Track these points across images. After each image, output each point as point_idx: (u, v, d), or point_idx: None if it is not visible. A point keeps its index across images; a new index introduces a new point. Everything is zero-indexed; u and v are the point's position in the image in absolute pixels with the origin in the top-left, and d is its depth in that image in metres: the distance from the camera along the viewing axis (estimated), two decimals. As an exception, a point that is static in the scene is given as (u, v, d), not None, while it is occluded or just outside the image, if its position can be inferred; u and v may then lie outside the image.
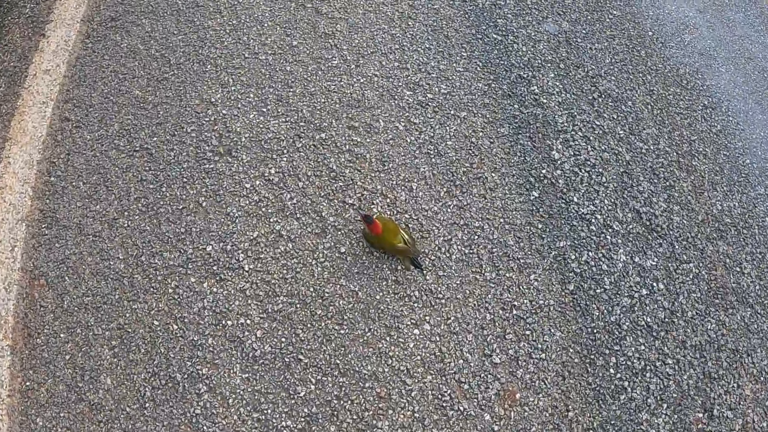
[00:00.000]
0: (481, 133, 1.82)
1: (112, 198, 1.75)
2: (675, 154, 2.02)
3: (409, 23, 2.08)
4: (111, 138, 1.85)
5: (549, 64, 2.09)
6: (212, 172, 1.72)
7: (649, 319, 1.65)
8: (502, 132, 1.85)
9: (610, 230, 1.79)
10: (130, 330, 1.57)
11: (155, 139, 1.81)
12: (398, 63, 1.93)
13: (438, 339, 1.53)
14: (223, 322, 1.54)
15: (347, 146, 1.74)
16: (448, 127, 1.81)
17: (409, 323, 1.53)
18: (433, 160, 1.73)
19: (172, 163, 1.75)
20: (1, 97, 2.02)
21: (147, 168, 1.77)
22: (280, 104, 1.83)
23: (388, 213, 1.64)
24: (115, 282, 1.64)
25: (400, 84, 1.88)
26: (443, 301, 1.56)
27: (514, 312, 1.61)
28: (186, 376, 1.51)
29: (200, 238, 1.63)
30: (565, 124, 1.94)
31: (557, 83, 2.05)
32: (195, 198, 1.69)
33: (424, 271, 1.58)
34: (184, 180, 1.72)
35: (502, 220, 1.69)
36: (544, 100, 1.98)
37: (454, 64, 1.98)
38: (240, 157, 1.73)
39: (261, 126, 1.79)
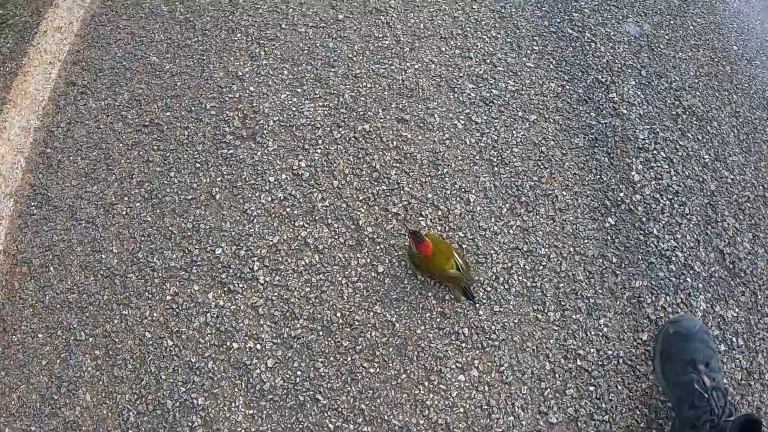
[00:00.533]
0: (552, 142, 1.51)
1: (111, 179, 1.46)
2: (761, 188, 1.69)
3: (474, 6, 1.77)
4: (119, 108, 1.57)
5: (629, 70, 1.77)
6: (231, 159, 1.43)
7: (725, 381, 1.33)
8: (576, 143, 1.54)
9: (691, 271, 1.47)
10: (117, 339, 1.29)
11: (168, 114, 1.52)
12: (460, 50, 1.63)
13: (486, 389, 1.23)
14: (228, 344, 1.25)
15: (395, 142, 1.44)
16: (514, 131, 1.50)
17: (453, 367, 1.23)
18: (496, 169, 1.43)
19: (184, 144, 1.46)
20: (8, 54, 1.74)
21: (155, 147, 1.48)
22: (318, 85, 1.53)
23: (439, 229, 1.34)
24: (106, 280, 1.35)
25: (462, 75, 1.57)
26: (497, 343, 1.26)
27: (578, 362, 1.30)
28: (178, 404, 1.23)
29: (209, 238, 1.34)
30: (647, 142, 1.62)
31: (638, 92, 1.73)
32: (208, 188, 1.40)
33: (477, 304, 1.28)
34: (197, 165, 1.43)
35: (571, 249, 1.38)
36: (624, 111, 1.66)
37: (524, 59, 1.67)
38: (265, 144, 1.44)
39: (294, 109, 1.49)
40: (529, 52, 1.68)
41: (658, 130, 1.65)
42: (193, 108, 1.51)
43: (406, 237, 1.31)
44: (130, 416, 1.23)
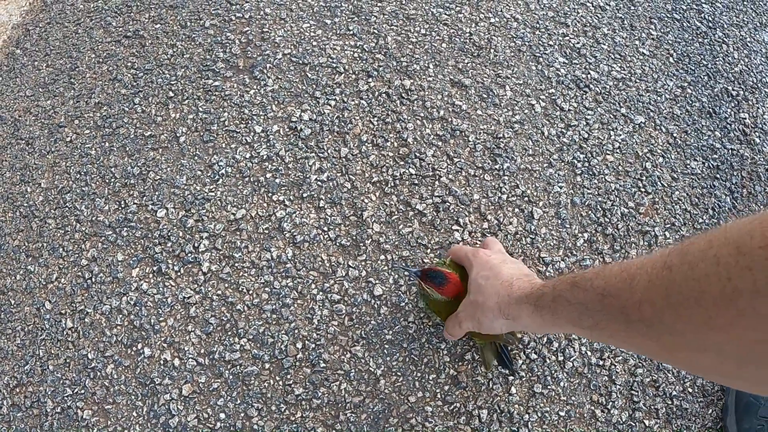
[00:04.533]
0: (661, 159, 0.94)
1: (69, 95, 0.99)
2: None
3: (581, -33, 1.20)
4: (105, 13, 1.09)
5: (767, 89, 1.17)
6: (213, 93, 0.93)
7: None
8: (693, 168, 0.96)
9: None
10: (13, 301, 0.82)
11: (158, 26, 1.03)
12: (554, 13, 1.07)
13: None
14: (139, 347, 0.77)
15: (442, 111, 0.90)
16: (613, 133, 0.94)
17: (455, 466, 0.70)
18: (579, 179, 0.87)
19: (163, 65, 0.97)
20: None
21: (129, 64, 1.00)
22: (355, 19, 1.00)
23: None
24: (23, 221, 0.89)
25: (552, 44, 1.01)
26: (530, 441, 0.72)
27: (644, 491, 0.75)
28: (59, 409, 0.75)
29: (155, 193, 0.85)
30: (783, 186, 1.03)
31: (776, 120, 1.13)
32: (173, 126, 0.90)
33: (513, 376, 0.74)
34: (170, 94, 0.94)
35: (666, 318, 0.82)
36: (757, 139, 1.07)
37: (637, 42, 1.09)
38: (264, 81, 0.92)
39: (314, 43, 0.97)
40: (644, 35, 1.11)
41: (798, 174, 1.06)
42: (188, 24, 1.02)
43: (414, 277, 0.74)
44: (3, 406, 0.76)
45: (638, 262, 0.38)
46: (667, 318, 0.35)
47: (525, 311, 0.52)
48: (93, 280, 0.83)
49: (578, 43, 1.03)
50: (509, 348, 0.73)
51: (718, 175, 1.00)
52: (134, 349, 0.77)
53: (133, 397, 0.76)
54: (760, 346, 0.30)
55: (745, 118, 1.09)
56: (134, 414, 0.75)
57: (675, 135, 1.00)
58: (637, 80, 1.05)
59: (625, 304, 0.38)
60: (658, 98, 1.04)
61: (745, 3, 1.31)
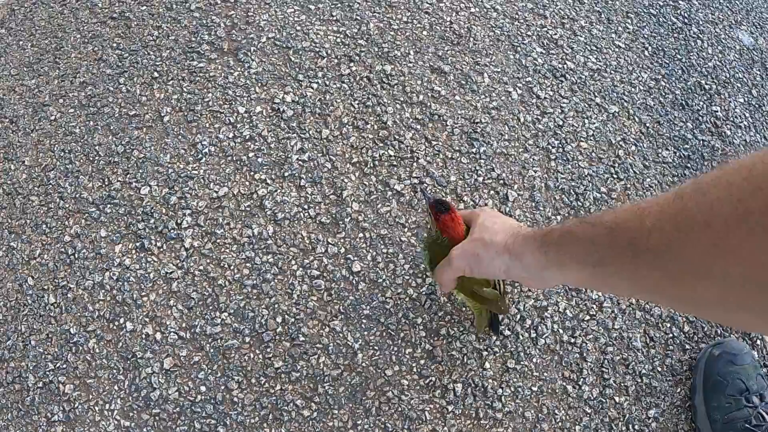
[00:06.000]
0: (633, 147, 0.97)
1: (54, 74, 0.99)
2: None
3: (561, -38, 1.22)
4: (92, -8, 1.09)
5: (739, 84, 1.20)
6: (197, 74, 0.93)
7: None
8: (664, 156, 0.99)
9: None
10: None
11: (144, 8, 1.03)
12: (532, 4, 1.08)
13: (470, 481, 0.71)
14: (121, 321, 0.77)
15: (421, 96, 0.91)
16: (587, 121, 0.96)
17: (428, 437, 0.72)
18: (553, 163, 0.89)
19: (149, 46, 0.97)
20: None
21: (115, 44, 0.99)
22: (337, 5, 1.01)
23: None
24: (6, 198, 0.88)
25: (530, 34, 1.03)
26: (499, 415, 0.74)
27: (610, 464, 0.78)
28: (41, 384, 0.76)
29: (139, 170, 0.85)
30: (752, 176, 1.06)
31: (746, 114, 1.16)
32: (158, 106, 0.90)
33: (498, 338, 0.76)
34: (155, 75, 0.94)
35: (633, 302, 0.85)
36: (728, 131, 1.10)
37: (613, 35, 1.12)
38: (248, 64, 0.93)
39: (298, 28, 0.98)
40: (620, 29, 1.13)
41: (765, 165, 1.09)
42: (174, 6, 1.02)
43: (425, 210, 0.74)
44: (-17, 382, 0.76)
45: (650, 199, 0.38)
46: (676, 244, 0.34)
47: (530, 247, 0.51)
48: (76, 256, 0.83)
49: (556, 34, 1.05)
50: (502, 318, 0.75)
51: (688, 165, 1.02)
52: (116, 323, 0.78)
53: (114, 371, 0.76)
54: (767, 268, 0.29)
55: (717, 111, 1.12)
56: (116, 388, 0.76)
57: (648, 125, 1.03)
58: (612, 71, 1.07)
59: (634, 235, 0.38)
60: (633, 89, 1.07)
61: (721, 1, 1.34)
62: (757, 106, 1.17)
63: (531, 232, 0.53)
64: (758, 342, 0.90)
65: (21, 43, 1.10)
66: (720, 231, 0.31)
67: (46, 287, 0.82)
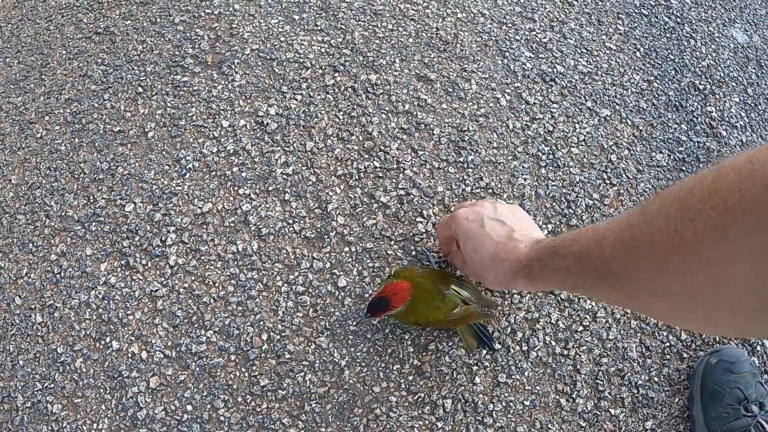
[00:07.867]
0: (626, 151, 0.94)
1: (39, 92, 0.98)
2: None
3: (550, -37, 1.20)
4: (77, 10, 1.07)
5: (734, 83, 1.18)
6: (181, 89, 0.91)
7: None
8: (658, 160, 0.97)
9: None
10: None
11: (128, 23, 1.02)
12: (521, 8, 1.06)
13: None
14: (107, 341, 0.76)
15: (407, 105, 0.89)
16: (578, 126, 0.93)
17: (418, 454, 0.70)
18: (544, 171, 0.87)
19: (133, 61, 0.96)
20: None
21: (99, 60, 0.98)
22: (322, 15, 0.99)
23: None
24: (-9, 217, 0.88)
25: (518, 38, 1.01)
26: None
27: (607, 477, 0.75)
28: (30, 404, 0.74)
29: (123, 188, 0.84)
30: (749, 176, 1.03)
31: (742, 113, 1.13)
32: (142, 121, 0.89)
33: (494, 350, 0.74)
34: (139, 90, 0.92)
35: (628, 310, 0.82)
36: (723, 132, 1.07)
37: (604, 36, 1.09)
38: (231, 77, 0.91)
39: (282, 39, 0.96)
40: (611, 30, 1.11)
41: (763, 165, 1.06)
42: (158, 20, 1.00)
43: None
44: (-27, 404, 0.75)
45: (607, 223, 0.43)
46: (629, 270, 0.40)
47: (520, 284, 0.58)
48: (62, 274, 0.81)
49: (545, 38, 1.02)
50: (489, 322, 0.73)
51: (683, 168, 1.00)
52: (102, 342, 0.77)
53: (101, 390, 0.75)
54: (702, 288, 0.35)
55: (712, 112, 1.09)
56: (103, 407, 0.74)
57: (641, 128, 1.01)
58: (604, 74, 1.05)
59: (597, 264, 0.43)
60: (625, 92, 1.04)
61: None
62: (752, 105, 1.14)
63: (512, 270, 0.58)
64: (758, 348, 0.88)
65: (8, 60, 1.09)
66: (661, 257, 0.36)
67: (33, 306, 0.81)
